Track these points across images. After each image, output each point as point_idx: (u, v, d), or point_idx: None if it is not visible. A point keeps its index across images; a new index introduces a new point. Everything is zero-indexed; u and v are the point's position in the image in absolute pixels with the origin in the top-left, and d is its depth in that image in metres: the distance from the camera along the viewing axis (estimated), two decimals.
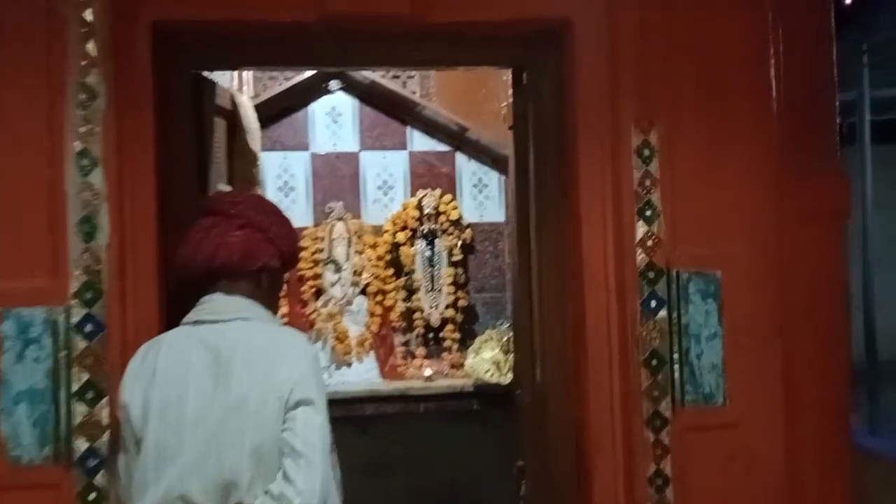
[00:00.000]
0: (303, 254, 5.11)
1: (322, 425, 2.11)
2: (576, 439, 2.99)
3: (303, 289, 5.03)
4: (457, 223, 5.05)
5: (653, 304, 2.78)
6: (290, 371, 2.10)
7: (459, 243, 5.04)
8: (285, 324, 4.70)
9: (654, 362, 2.78)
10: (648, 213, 2.79)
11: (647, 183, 2.80)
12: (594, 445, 2.86)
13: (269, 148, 5.07)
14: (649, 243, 2.79)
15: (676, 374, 2.78)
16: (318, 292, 4.93)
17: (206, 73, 3.08)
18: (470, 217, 5.12)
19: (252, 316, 2.21)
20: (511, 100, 3.50)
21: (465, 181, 5.19)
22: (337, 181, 5.07)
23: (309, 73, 5.05)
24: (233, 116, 3.30)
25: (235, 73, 4.82)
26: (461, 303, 5.00)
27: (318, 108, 5.12)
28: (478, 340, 4.97)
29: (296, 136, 5.21)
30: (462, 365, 4.83)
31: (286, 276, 2.38)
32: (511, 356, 4.70)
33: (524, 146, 3.31)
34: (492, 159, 5.17)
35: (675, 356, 2.78)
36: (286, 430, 2.05)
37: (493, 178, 5.17)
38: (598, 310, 2.86)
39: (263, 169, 4.98)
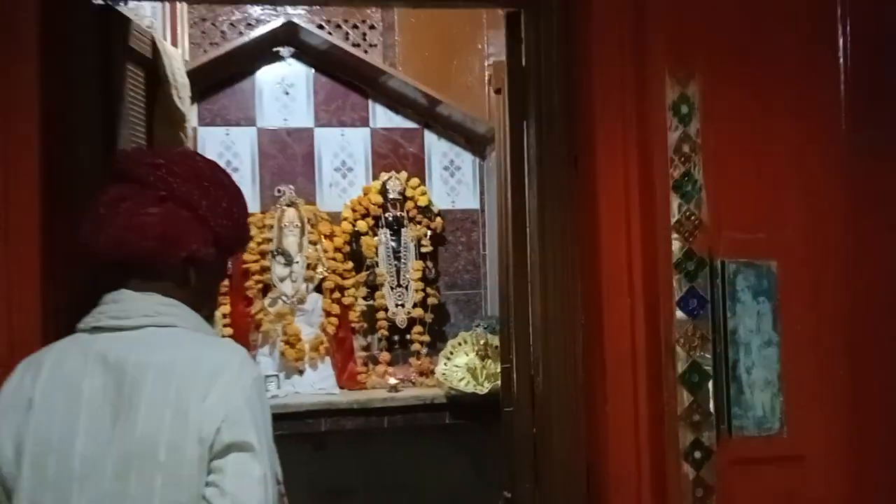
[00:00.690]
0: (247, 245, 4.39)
1: (262, 479, 1.51)
2: (587, 475, 2.37)
3: (248, 284, 4.34)
4: (425, 210, 4.48)
5: (692, 303, 2.17)
6: (219, 401, 1.51)
7: (429, 233, 4.46)
8: (226, 331, 4.12)
9: (695, 378, 2.16)
10: (687, 187, 2.18)
11: (686, 149, 2.19)
12: (613, 483, 2.25)
13: (208, 122, 4.45)
14: (687, 226, 2.17)
15: (722, 394, 2.16)
16: (266, 288, 4.28)
17: (119, 7, 2.37)
18: (440, 203, 4.57)
19: (172, 321, 1.61)
20: (495, 60, 2.86)
21: (435, 163, 4.63)
22: (288, 161, 4.47)
23: (256, 34, 4.35)
24: (155, 67, 2.59)
25: (169, 32, 4.11)
26: (431, 301, 4.42)
27: (267, 78, 4.50)
28: (449, 344, 4.33)
29: (240, 110, 4.53)
30: (432, 372, 4.24)
31: (228, 266, 1.81)
32: (489, 362, 4.09)
33: (520, 110, 2.67)
34: (465, 138, 4.66)
35: (721, 370, 2.17)
36: (210, 486, 1.49)
37: (466, 160, 4.64)
38: (619, 312, 2.25)
39: (199, 141, 4.33)
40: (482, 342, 4.27)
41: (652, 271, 2.22)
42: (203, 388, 1.51)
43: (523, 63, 2.62)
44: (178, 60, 2.82)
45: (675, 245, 2.20)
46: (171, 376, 1.51)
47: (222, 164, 4.09)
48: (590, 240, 2.33)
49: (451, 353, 4.30)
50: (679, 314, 2.19)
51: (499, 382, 3.48)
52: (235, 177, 4.18)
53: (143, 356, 1.52)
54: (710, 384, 2.19)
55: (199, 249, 1.65)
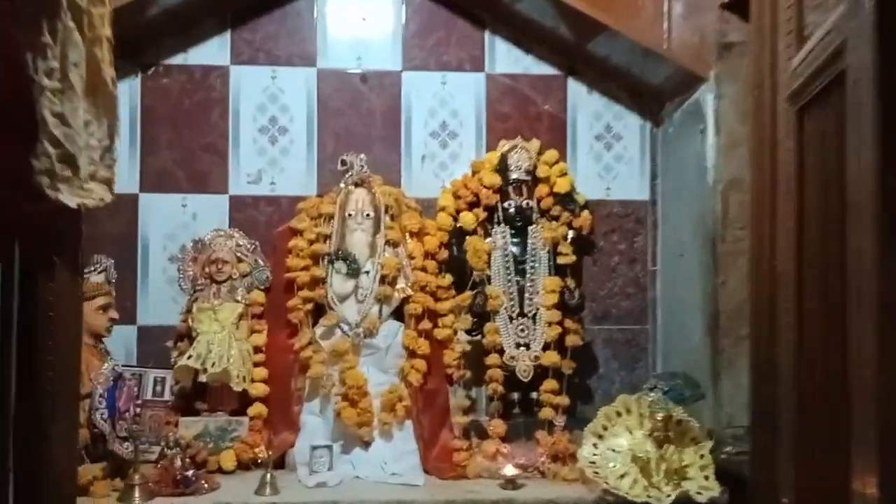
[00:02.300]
0: (293, 244, 2.89)
1: None
2: None
3: (291, 304, 2.86)
4: (566, 200, 2.98)
5: None
6: None
7: (570, 235, 2.97)
8: (257, 375, 2.80)
9: None
10: None
11: None
12: None
13: (246, 59, 3.11)
14: None
15: None
16: (318, 311, 2.89)
17: None
18: (589, 191, 3.11)
19: None
20: None
21: (583, 128, 3.20)
22: (361, 120, 3.14)
23: None
24: None
25: None
26: (571, 341, 2.91)
27: None
28: (603, 414, 2.69)
29: (293, 42, 3.13)
30: (574, 458, 2.69)
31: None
32: (671, 451, 2.57)
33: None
34: (630, 91, 3.19)
35: None
36: None
37: (631, 126, 3.21)
38: None
39: (232, 87, 2.85)
40: (660, 416, 2.59)
41: None
42: None
43: None
44: None
45: None
46: None
47: (264, 121, 3.07)
48: None
49: (605, 430, 2.67)
50: None
51: (694, 488, 2.39)
52: (282, 140, 3.04)
53: None
54: None
55: None
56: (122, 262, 2.92)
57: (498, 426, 2.84)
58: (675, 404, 2.62)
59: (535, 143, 3.04)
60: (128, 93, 2.98)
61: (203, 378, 2.75)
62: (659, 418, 2.60)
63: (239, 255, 2.91)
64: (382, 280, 2.86)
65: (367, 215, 2.89)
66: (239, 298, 2.87)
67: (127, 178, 2.96)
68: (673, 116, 3.03)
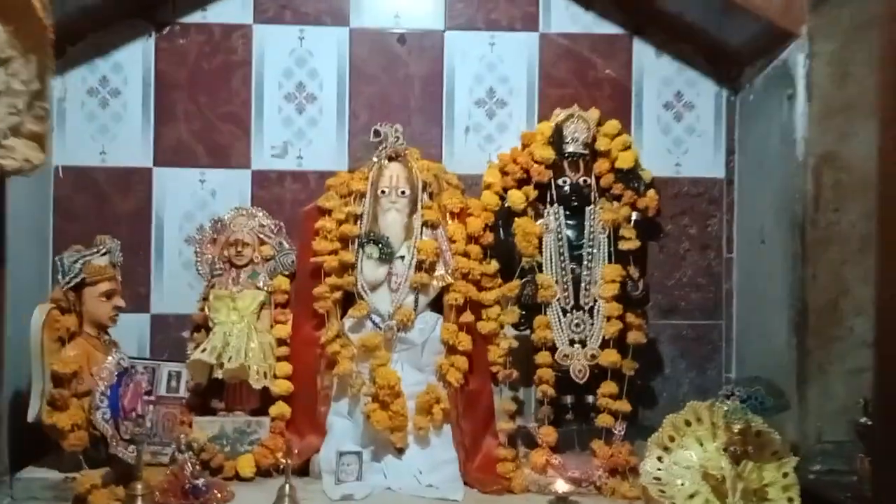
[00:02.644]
0: (320, 224, 2.68)
1: None
2: None
3: (317, 292, 2.64)
4: (629, 177, 2.76)
5: None
6: None
7: (634, 217, 2.74)
8: (280, 370, 2.65)
9: None
10: None
11: None
12: None
13: (270, 17, 2.92)
14: None
15: None
16: (347, 301, 2.68)
17: None
18: (657, 167, 2.87)
19: None
20: None
21: (650, 96, 2.96)
22: (397, 87, 2.94)
23: None
24: None
25: None
26: (634, 338, 2.68)
27: None
28: (669, 422, 2.41)
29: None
30: (635, 472, 2.48)
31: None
32: (749, 468, 2.28)
33: None
34: (706, 52, 2.94)
35: None
36: None
37: (705, 93, 2.96)
38: None
39: (254, 47, 2.80)
40: (738, 427, 2.28)
41: None
42: None
43: None
44: None
45: None
46: None
47: (291, 87, 2.91)
48: None
49: (672, 441, 2.40)
50: None
51: None
52: (310, 109, 2.88)
53: None
54: None
55: None
56: (134, 243, 2.80)
57: (548, 434, 2.60)
58: (754, 415, 2.31)
59: (594, 113, 2.79)
60: (140, 56, 2.84)
61: (219, 374, 2.56)
62: (736, 430, 2.29)
63: (261, 236, 2.74)
64: (419, 266, 2.62)
65: (403, 193, 2.66)
66: (260, 285, 2.69)
67: (139, 150, 2.83)
68: (754, 82, 2.79)
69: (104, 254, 2.44)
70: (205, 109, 2.86)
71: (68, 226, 2.77)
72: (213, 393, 2.62)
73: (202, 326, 2.67)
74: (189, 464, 2.33)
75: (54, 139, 2.74)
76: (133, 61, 2.81)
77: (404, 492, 2.43)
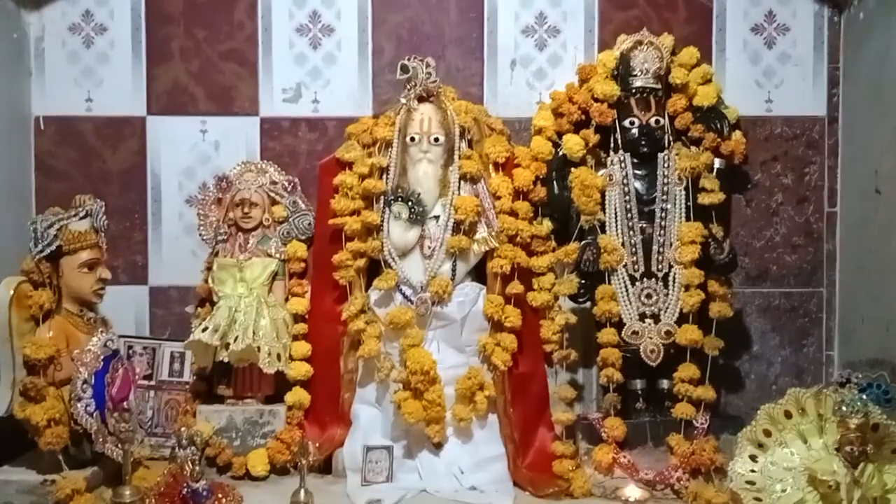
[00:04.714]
0: (339, 180, 2.38)
1: None
2: None
3: (338, 259, 2.36)
4: (711, 116, 2.45)
5: None
6: None
7: (717, 165, 2.43)
8: (296, 351, 2.44)
9: None
10: None
11: None
12: None
13: None
14: None
15: None
16: (374, 269, 2.42)
17: None
18: (744, 105, 2.58)
19: None
20: None
21: (735, 17, 2.62)
22: (429, 15, 2.65)
23: None
24: None
25: None
26: (718, 310, 2.36)
27: None
28: (764, 413, 2.09)
29: None
30: (721, 472, 2.20)
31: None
32: (870, 471, 1.98)
33: None
34: None
35: None
36: None
37: (803, 13, 2.62)
38: None
39: None
40: (855, 422, 1.94)
41: None
42: None
43: None
44: None
45: None
46: None
47: (304, 19, 2.63)
48: None
49: (769, 436, 2.08)
50: None
51: None
52: (328, 44, 2.66)
53: None
54: None
55: None
56: (127, 205, 2.59)
57: (615, 426, 2.30)
58: (874, 405, 1.97)
59: (667, 39, 2.47)
60: None
61: (224, 357, 2.27)
62: (853, 426, 1.94)
63: (272, 195, 2.47)
64: (457, 228, 2.34)
65: (436, 140, 2.35)
66: (272, 252, 2.41)
67: (130, 97, 2.59)
68: None
69: (84, 217, 2.16)
70: (204, 46, 2.62)
71: (51, 185, 2.54)
72: (220, 378, 2.36)
73: (208, 300, 2.41)
74: (189, 463, 2.07)
75: (32, 85, 2.49)
76: None
77: (442, 495, 2.19)
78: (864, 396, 2.01)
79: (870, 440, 1.97)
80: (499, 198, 2.38)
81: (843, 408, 1.97)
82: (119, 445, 2.03)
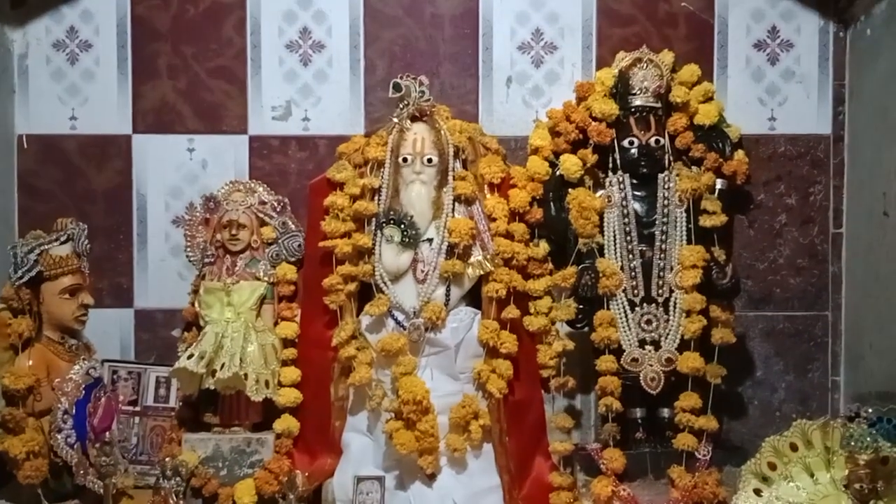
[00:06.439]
0: (330, 201, 2.32)
1: None
2: None
3: (328, 283, 2.30)
4: (712, 136, 2.42)
5: None
6: None
7: (719, 186, 2.39)
8: (285, 377, 2.41)
9: None
10: None
11: None
12: None
13: None
14: None
15: None
16: (365, 294, 2.35)
17: None
18: (747, 123, 2.53)
19: None
20: None
21: (738, 33, 2.57)
22: (423, 31, 2.60)
23: None
24: None
25: None
26: (720, 336, 2.31)
27: None
28: (768, 446, 2.05)
29: None
30: None
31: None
32: None
33: None
34: None
35: None
36: None
37: (807, 29, 2.57)
38: None
39: None
40: (865, 457, 1.87)
41: None
42: None
43: None
44: None
45: None
46: None
47: (293, 33, 2.60)
48: None
49: (774, 470, 2.04)
50: None
51: None
52: (319, 61, 2.64)
53: None
54: None
55: None
56: (112, 225, 2.54)
57: (614, 457, 2.23)
58: (885, 440, 1.90)
59: (667, 56, 2.42)
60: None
61: (210, 384, 2.21)
62: (862, 461, 1.87)
63: (261, 215, 2.42)
64: (450, 251, 2.27)
65: (429, 161, 2.29)
66: (260, 275, 2.35)
67: (116, 115, 2.54)
68: (872, 12, 2.40)
69: (65, 241, 2.11)
70: (192, 63, 2.57)
71: (34, 205, 2.50)
72: (206, 405, 2.29)
73: (194, 324, 2.36)
74: (174, 495, 2.03)
75: (15, 103, 2.44)
76: (106, 7, 2.52)
77: None
78: (874, 431, 1.94)
79: (880, 476, 1.90)
80: (494, 219, 2.31)
81: (853, 443, 1.90)
82: (100, 478, 1.98)
